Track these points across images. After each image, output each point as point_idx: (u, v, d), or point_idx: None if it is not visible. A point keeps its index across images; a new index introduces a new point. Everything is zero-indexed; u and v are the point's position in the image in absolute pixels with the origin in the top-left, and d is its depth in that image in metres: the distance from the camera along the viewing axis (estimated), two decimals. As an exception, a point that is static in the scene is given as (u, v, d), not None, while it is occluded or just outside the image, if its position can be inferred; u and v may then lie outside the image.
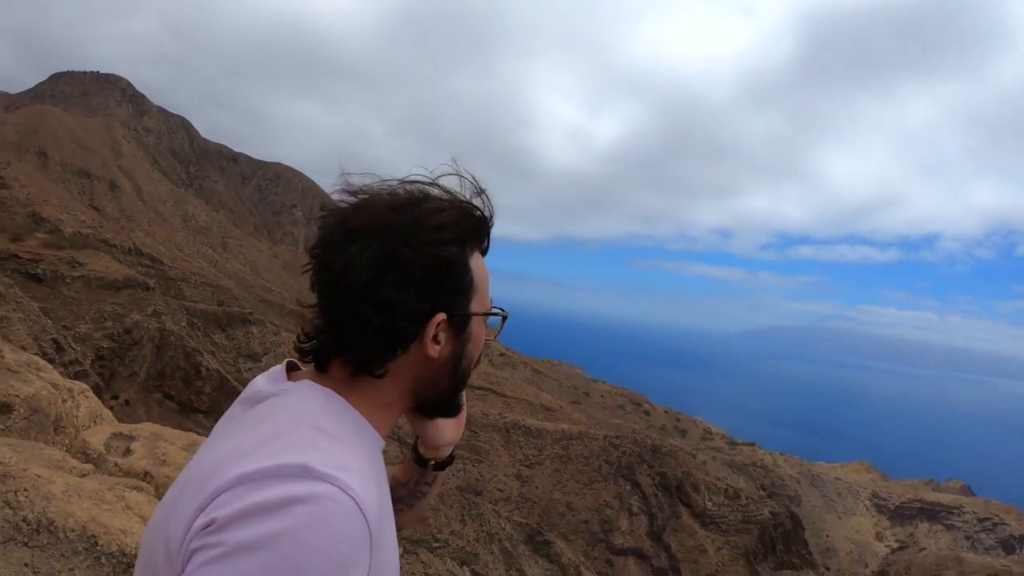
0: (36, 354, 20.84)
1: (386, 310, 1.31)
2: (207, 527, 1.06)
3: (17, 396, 8.96)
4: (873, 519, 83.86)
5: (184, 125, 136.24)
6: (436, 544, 36.53)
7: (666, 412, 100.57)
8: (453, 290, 1.39)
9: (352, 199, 1.41)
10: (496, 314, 1.53)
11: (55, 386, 10.61)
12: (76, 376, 21.44)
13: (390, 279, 1.31)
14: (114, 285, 43.04)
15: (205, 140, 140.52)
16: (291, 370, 1.47)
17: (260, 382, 1.44)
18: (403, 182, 1.43)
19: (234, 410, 1.45)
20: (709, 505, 60.45)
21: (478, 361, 1.56)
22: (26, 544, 4.17)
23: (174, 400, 40.15)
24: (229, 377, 43.10)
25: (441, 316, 1.37)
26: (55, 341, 32.07)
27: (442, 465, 1.77)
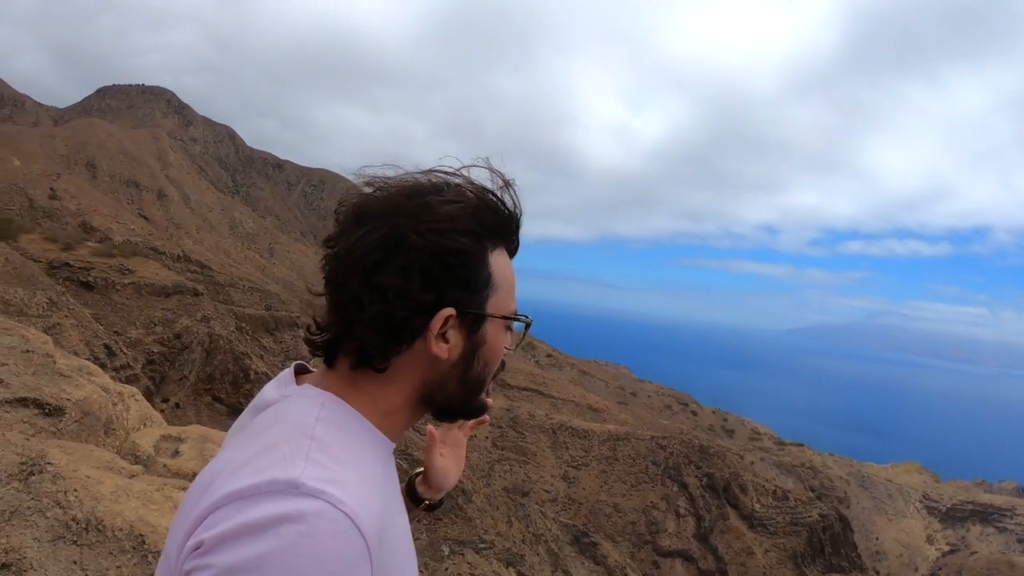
0: (88, 359, 21.29)
1: (386, 296, 1.24)
2: (197, 548, 1.02)
3: (69, 400, 9.20)
4: (924, 521, 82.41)
5: (229, 134, 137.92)
6: (482, 545, 36.65)
7: (713, 412, 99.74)
8: (465, 284, 1.30)
9: (369, 189, 1.35)
10: (517, 319, 1.42)
11: (106, 390, 10.86)
12: (127, 380, 21.85)
13: (394, 263, 1.24)
14: (164, 291, 43.79)
15: (250, 148, 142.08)
16: (300, 373, 1.41)
17: (268, 388, 1.38)
18: (426, 172, 1.36)
19: (243, 418, 1.38)
20: (757, 507, 59.84)
21: (498, 371, 1.45)
22: (75, 542, 4.29)
23: (223, 403, 40.66)
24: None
25: (449, 311, 1.28)
26: (107, 346, 32.68)
27: (433, 507, 1.76)
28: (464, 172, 1.38)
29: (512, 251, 1.44)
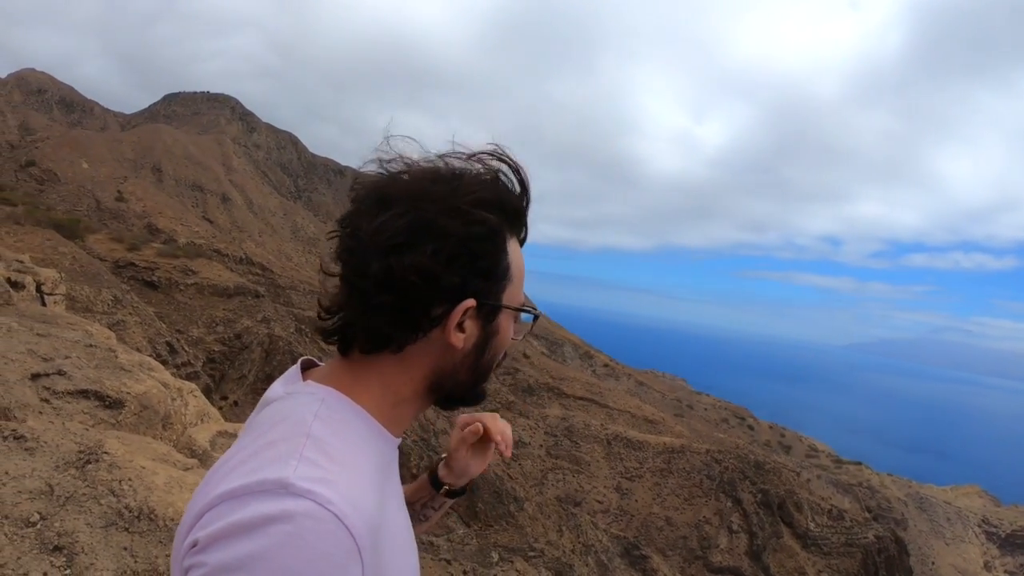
0: (150, 355, 21.69)
1: (411, 280, 1.22)
2: (193, 546, 1.04)
3: (129, 393, 9.40)
4: (982, 547, 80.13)
5: (292, 140, 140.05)
6: (532, 553, 36.58)
7: (771, 427, 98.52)
8: (487, 274, 1.29)
9: (387, 169, 1.33)
10: (528, 311, 1.41)
11: (165, 385, 11.06)
12: (188, 377, 22.24)
13: (422, 248, 1.22)
14: (226, 292, 44.63)
15: (312, 154, 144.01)
16: (307, 368, 1.40)
17: (275, 385, 1.37)
18: (442, 156, 1.34)
19: (252, 416, 1.39)
20: (812, 526, 58.80)
21: (501, 361, 1.45)
22: (126, 529, 4.38)
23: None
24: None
25: (470, 302, 1.27)
26: (169, 344, 33.35)
27: (455, 493, 1.77)
28: (478, 158, 1.37)
29: (522, 240, 1.42)
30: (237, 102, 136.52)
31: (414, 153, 1.34)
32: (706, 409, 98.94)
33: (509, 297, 1.35)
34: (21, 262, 19.88)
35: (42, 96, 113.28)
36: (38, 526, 4.28)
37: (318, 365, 1.42)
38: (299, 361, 1.41)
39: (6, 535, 4.09)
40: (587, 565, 41.26)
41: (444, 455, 1.82)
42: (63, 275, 21.22)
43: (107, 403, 8.86)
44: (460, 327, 1.29)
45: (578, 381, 77.93)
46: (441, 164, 1.33)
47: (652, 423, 71.32)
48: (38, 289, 17.72)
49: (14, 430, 5.66)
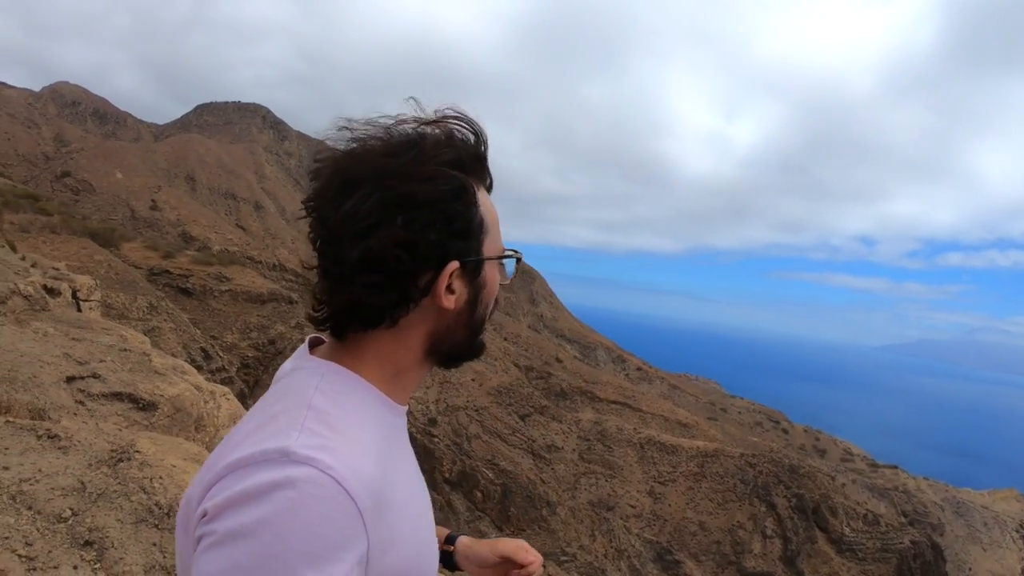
0: (186, 361, 21.95)
1: (389, 256, 1.24)
2: (203, 517, 1.07)
3: (162, 396, 9.53)
4: (1020, 552, 78.93)
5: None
6: (564, 558, 36.57)
7: (805, 430, 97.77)
8: (464, 233, 1.30)
9: (343, 146, 1.32)
10: (510, 256, 1.43)
11: (198, 388, 11.18)
12: (222, 382, 22.47)
13: (396, 221, 1.23)
14: (259, 298, 45.05)
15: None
16: (315, 346, 1.41)
17: (285, 363, 1.40)
18: (396, 122, 1.33)
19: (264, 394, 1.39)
20: (847, 531, 58.22)
21: (494, 308, 1.45)
22: (156, 526, 4.44)
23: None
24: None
25: (454, 264, 1.29)
26: (203, 349, 33.73)
27: (451, 566, 1.80)
28: (435, 118, 1.36)
29: (489, 187, 1.42)
30: (268, 111, 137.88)
31: (364, 123, 1.33)
32: (740, 412, 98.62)
33: (489, 248, 1.36)
34: (57, 269, 20.20)
35: (76, 108, 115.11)
36: (70, 521, 4.35)
37: (324, 343, 1.43)
38: (307, 339, 1.42)
39: (38, 530, 4.16)
40: (620, 570, 41.20)
41: (460, 536, 1.88)
42: (98, 282, 21.54)
43: (140, 405, 8.99)
44: (449, 289, 1.30)
45: (611, 385, 77.74)
46: (399, 133, 1.32)
47: (685, 427, 71.01)
48: (74, 296, 17.99)
49: (48, 430, 5.76)
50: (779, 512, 56.67)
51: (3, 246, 20.32)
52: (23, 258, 18.73)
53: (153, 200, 73.83)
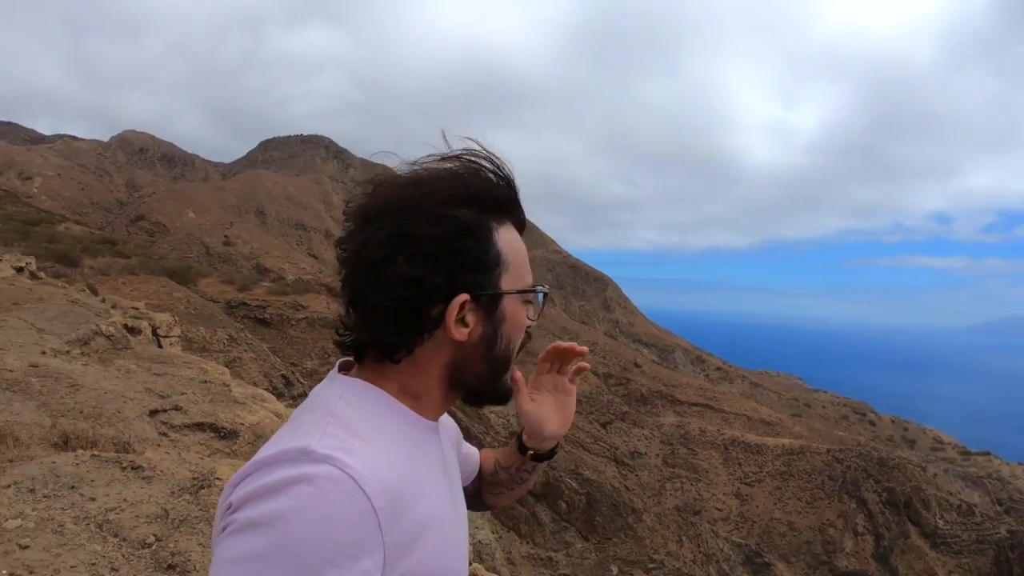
0: (267, 389, 22.42)
1: (399, 288, 1.28)
2: (228, 508, 1.14)
3: (242, 424, 9.79)
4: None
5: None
6: (652, 565, 36.30)
7: (892, 421, 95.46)
8: (475, 267, 1.32)
9: (372, 186, 1.38)
10: (532, 291, 1.43)
11: (278, 415, 11.44)
12: (300, 410, 22.87)
13: (402, 255, 1.27)
14: (335, 324, 45.81)
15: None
16: (345, 370, 1.46)
17: (317, 387, 1.44)
18: (417, 162, 1.38)
19: None
20: (940, 523, 56.42)
21: (523, 345, 1.47)
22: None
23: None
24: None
25: (463, 297, 1.31)
26: (284, 376, 34.40)
27: (541, 457, 1.76)
28: (455, 154, 1.40)
29: (520, 225, 1.44)
30: (330, 141, 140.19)
31: (396, 163, 1.39)
32: (824, 407, 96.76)
33: (509, 283, 1.37)
34: (137, 309, 20.82)
35: (144, 154, 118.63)
36: (153, 547, 4.52)
37: (353, 367, 1.48)
38: (338, 362, 1.47)
39: (124, 556, 4.34)
40: (708, 575, 40.68)
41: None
42: (177, 318, 22.14)
43: (221, 434, 9.25)
44: (462, 322, 1.32)
45: (691, 387, 77.08)
46: (420, 170, 1.37)
47: (769, 425, 69.96)
48: (154, 333, 18.52)
49: (132, 461, 5.98)
50: (870, 508, 55.32)
51: (84, 290, 21.04)
52: (103, 300, 19.34)
53: (226, 236, 75.71)
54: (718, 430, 64.26)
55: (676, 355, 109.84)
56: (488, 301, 1.34)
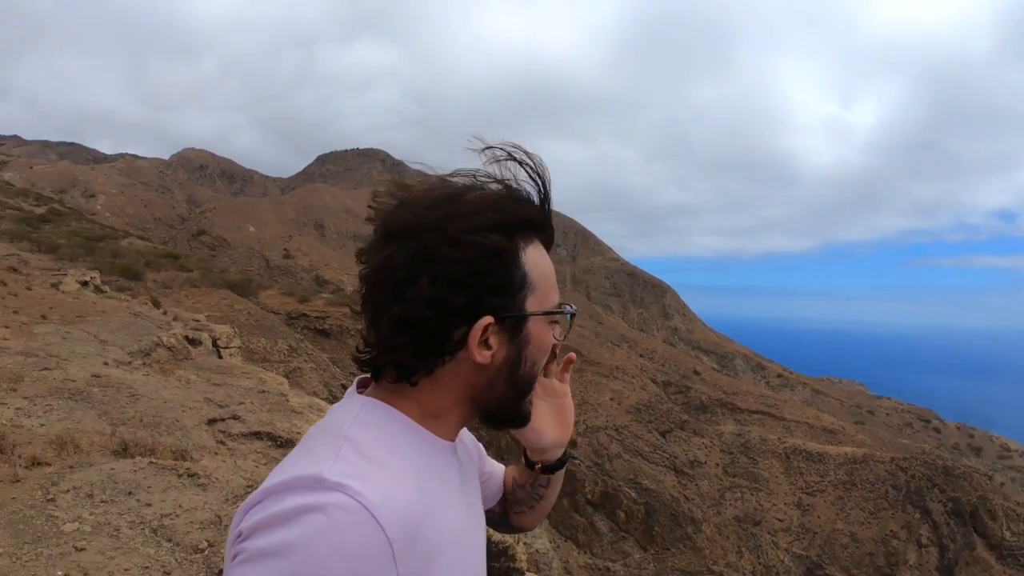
0: (326, 399, 22.63)
1: (421, 309, 1.24)
2: (238, 537, 1.12)
3: (299, 433, 9.90)
4: None
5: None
6: None
7: (958, 428, 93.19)
8: (499, 289, 1.28)
9: (396, 198, 1.34)
10: (559, 312, 1.39)
11: (332, 424, 11.53)
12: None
13: (425, 277, 1.23)
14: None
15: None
16: (363, 387, 1.42)
17: (336, 404, 1.44)
18: (451, 174, 1.34)
19: None
20: (1007, 535, 54.67)
21: (550, 361, 1.44)
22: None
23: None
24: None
25: (487, 319, 1.27)
26: (343, 386, 34.68)
27: (551, 468, 1.70)
28: (489, 167, 1.35)
29: (548, 242, 1.40)
30: (386, 154, 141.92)
31: (427, 171, 1.36)
32: (888, 414, 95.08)
33: (535, 304, 1.33)
34: (198, 321, 21.21)
35: (204, 171, 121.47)
36: (205, 552, 4.61)
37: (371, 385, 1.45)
38: (356, 379, 1.44)
39: (176, 560, 4.44)
40: (770, 586, 40.11)
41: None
42: (238, 330, 22.49)
43: (278, 443, 9.37)
44: (486, 344, 1.29)
45: (751, 394, 76.27)
46: (447, 186, 1.33)
47: (831, 433, 68.88)
48: (214, 344, 18.82)
49: (188, 468, 6.10)
50: (934, 518, 53.99)
51: (147, 303, 21.50)
52: (165, 313, 19.76)
53: (286, 249, 76.96)
54: (779, 438, 63.42)
55: (736, 362, 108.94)
56: (513, 323, 1.30)
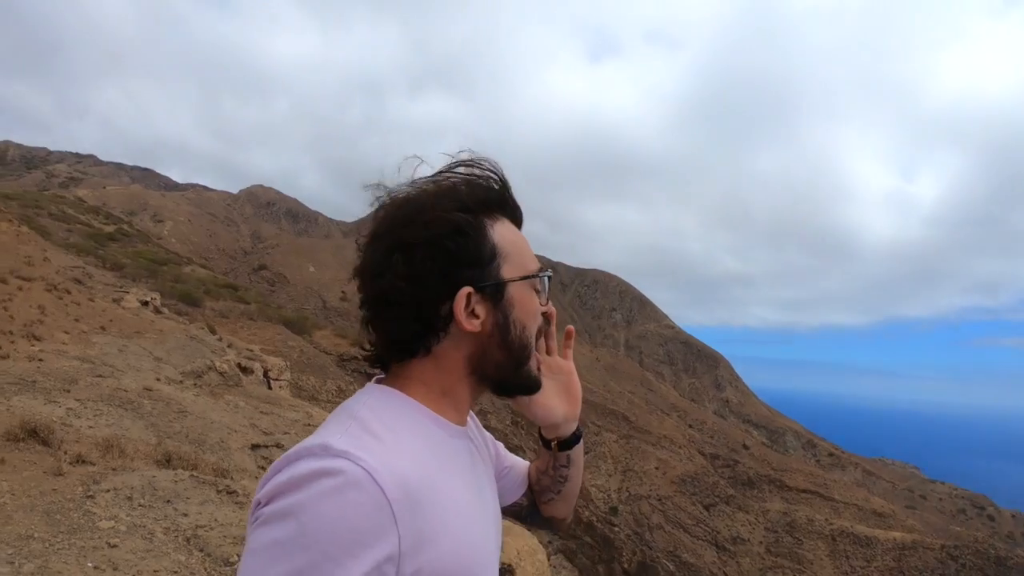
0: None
1: (399, 282, 1.36)
2: (257, 504, 1.22)
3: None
4: None
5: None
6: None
7: (1013, 516, 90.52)
8: (472, 261, 1.40)
9: (374, 207, 1.49)
10: (535, 276, 1.50)
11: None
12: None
13: (402, 264, 1.36)
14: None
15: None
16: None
17: None
18: (414, 182, 1.48)
19: None
20: (1061, 632, 52.84)
21: (543, 329, 1.56)
22: None
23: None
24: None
25: (466, 289, 1.38)
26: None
27: (568, 443, 1.76)
28: (446, 168, 1.49)
29: (516, 219, 1.52)
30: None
31: (393, 183, 1.48)
32: (940, 499, 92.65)
33: (510, 272, 1.44)
34: (251, 351, 21.44)
35: (270, 208, 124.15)
36: (235, 565, 4.57)
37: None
38: (374, 379, 1.53)
39: (206, 569, 4.43)
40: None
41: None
42: (289, 364, 22.69)
43: (320, 474, 9.37)
44: (473, 313, 1.39)
45: (801, 472, 74.86)
46: (413, 188, 1.46)
47: (881, 516, 67.16)
48: (265, 375, 19.00)
49: (227, 485, 6.11)
50: (987, 612, 52.28)
51: (203, 328, 21.81)
52: (220, 339, 20.00)
53: (343, 292, 77.87)
54: (826, 519, 62.07)
55: (787, 438, 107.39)
56: (493, 291, 1.41)
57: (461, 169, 1.49)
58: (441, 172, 1.48)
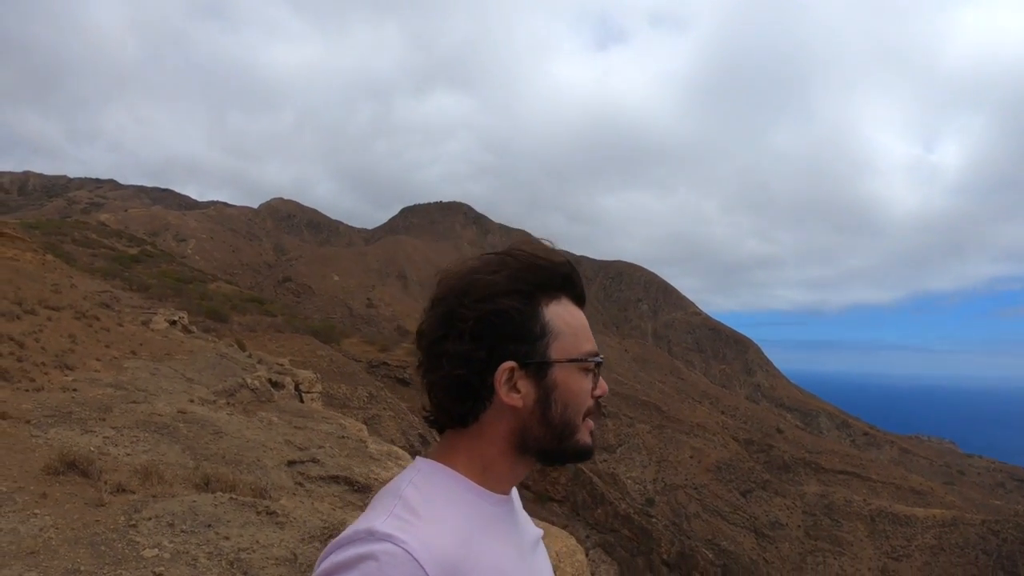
0: (403, 447, 22.69)
1: (450, 366, 1.44)
2: None
3: (376, 479, 9.95)
4: None
5: (525, 237, 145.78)
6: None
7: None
8: (518, 338, 1.46)
9: (438, 276, 1.56)
10: (583, 360, 1.53)
11: (409, 471, 11.55)
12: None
13: (450, 334, 1.44)
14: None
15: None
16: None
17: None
18: (484, 254, 1.55)
19: None
20: (1107, 603, 52.12)
21: (590, 413, 1.57)
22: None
23: (531, 490, 41.92)
24: (584, 469, 44.43)
25: (509, 364, 1.45)
26: (421, 435, 35.07)
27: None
28: (514, 248, 1.57)
29: (578, 300, 1.58)
30: (469, 207, 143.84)
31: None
32: (979, 473, 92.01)
33: (560, 352, 1.49)
34: (281, 365, 21.56)
35: (291, 221, 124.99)
36: (279, 586, 4.61)
37: None
38: (421, 454, 1.65)
39: (250, 592, 4.44)
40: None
41: None
42: (320, 375, 22.80)
43: (355, 487, 9.43)
44: (515, 388, 1.46)
45: (836, 453, 74.44)
46: (475, 261, 1.55)
47: (919, 494, 66.61)
48: (296, 388, 19.09)
49: (267, 506, 6.15)
50: (1029, 585, 51.70)
51: (232, 345, 21.96)
52: (250, 355, 20.12)
53: (368, 298, 78.29)
54: (864, 500, 61.67)
55: (820, 420, 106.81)
56: (536, 368, 1.47)
57: (529, 248, 1.56)
58: (511, 248, 1.55)
